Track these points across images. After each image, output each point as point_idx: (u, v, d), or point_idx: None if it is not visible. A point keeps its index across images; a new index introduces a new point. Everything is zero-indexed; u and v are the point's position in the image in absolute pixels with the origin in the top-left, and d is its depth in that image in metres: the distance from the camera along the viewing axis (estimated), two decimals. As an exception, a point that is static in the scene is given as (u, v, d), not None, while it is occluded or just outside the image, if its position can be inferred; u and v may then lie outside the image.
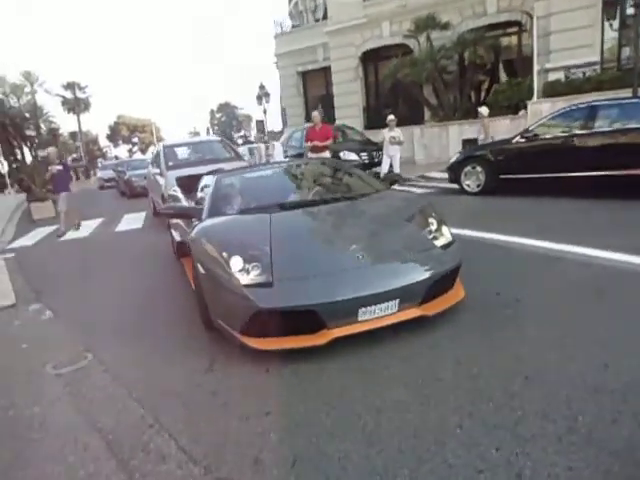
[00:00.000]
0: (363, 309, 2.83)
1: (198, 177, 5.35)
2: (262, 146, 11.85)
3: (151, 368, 3.05)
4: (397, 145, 10.91)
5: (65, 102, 48.05)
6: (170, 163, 8.62)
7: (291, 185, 4.29)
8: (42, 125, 49.15)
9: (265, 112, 24.03)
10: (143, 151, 55.59)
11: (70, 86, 46.93)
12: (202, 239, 3.33)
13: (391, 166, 11.06)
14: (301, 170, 4.78)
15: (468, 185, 8.66)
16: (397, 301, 2.90)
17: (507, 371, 2.51)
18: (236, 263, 2.98)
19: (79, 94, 47.81)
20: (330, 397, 2.47)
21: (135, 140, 56.03)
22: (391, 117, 11.13)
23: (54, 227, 9.84)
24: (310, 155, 9.26)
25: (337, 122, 17.44)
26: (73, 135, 49.98)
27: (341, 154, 11.63)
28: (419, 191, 9.94)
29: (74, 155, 50.79)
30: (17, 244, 9.06)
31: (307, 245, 3.19)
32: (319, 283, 2.87)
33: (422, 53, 14.35)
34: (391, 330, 2.95)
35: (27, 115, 47.61)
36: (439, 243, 3.27)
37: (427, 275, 2.99)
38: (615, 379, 2.32)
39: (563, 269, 4.03)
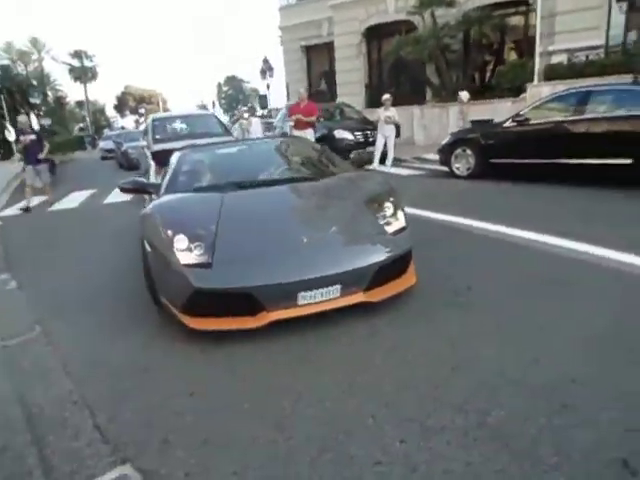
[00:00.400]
0: (303, 293, 2.79)
1: None
2: (244, 122, 11.74)
3: (93, 343, 3.06)
4: (392, 125, 10.73)
5: (72, 70, 47.69)
6: (157, 136, 8.54)
7: (254, 163, 4.20)
8: (49, 93, 48.84)
9: (268, 87, 23.75)
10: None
11: (77, 54, 46.49)
12: (151, 216, 3.29)
13: (385, 146, 10.91)
14: (269, 148, 4.69)
15: (458, 168, 8.52)
16: (339, 286, 2.86)
17: (438, 361, 2.48)
18: (180, 242, 2.95)
19: (86, 63, 47.38)
20: (257, 381, 2.46)
21: (142, 111, 55.59)
22: (387, 96, 10.91)
23: (45, 197, 9.81)
24: (294, 132, 9.18)
25: (338, 99, 17.21)
26: (80, 104, 49.75)
27: (335, 132, 11.43)
28: (408, 172, 9.83)
29: (80, 124, 50.60)
30: (6, 213, 9.10)
31: (254, 226, 3.13)
32: (259, 265, 2.83)
33: (425, 30, 13.97)
34: (336, 315, 2.93)
35: (34, 82, 47.32)
36: (391, 229, 3.20)
37: (372, 261, 2.94)
38: (541, 375, 2.27)
39: (526, 258, 3.95)
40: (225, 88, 54.08)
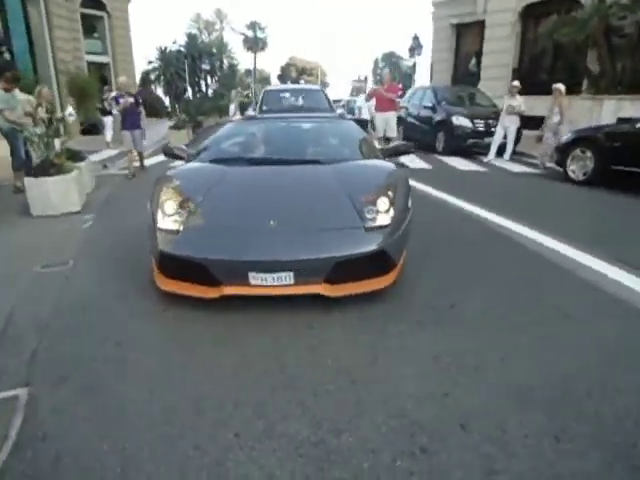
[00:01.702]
0: (253, 274, 2.82)
1: None
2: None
3: (91, 286, 3.48)
4: (515, 115, 9.70)
5: (246, 41, 51.67)
6: (264, 107, 9.00)
7: (282, 141, 4.23)
8: (225, 61, 53.98)
9: (415, 65, 23.02)
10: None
11: (252, 25, 50.12)
12: (159, 180, 3.57)
13: (505, 137, 9.94)
14: (308, 128, 4.64)
15: (573, 171, 7.44)
16: (292, 274, 2.82)
17: (340, 369, 2.32)
18: (169, 207, 3.18)
19: (259, 34, 50.90)
20: (184, 354, 2.57)
21: (302, 82, 58.42)
22: (514, 83, 9.88)
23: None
24: (376, 115, 8.95)
25: (481, 83, 16.02)
26: (248, 72, 54.06)
27: (453, 118, 10.76)
28: (520, 170, 8.86)
29: (246, 91, 54.95)
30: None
31: (236, 202, 3.21)
32: (219, 240, 2.92)
33: (587, 9, 12.10)
34: (301, 303, 2.92)
35: (214, 50, 52.70)
36: (372, 224, 3.01)
37: (329, 254, 2.82)
38: (413, 393, 2.01)
39: (560, 285, 3.38)
40: (382, 64, 53.70)
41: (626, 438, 1.84)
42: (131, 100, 8.29)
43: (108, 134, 12.81)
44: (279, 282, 2.84)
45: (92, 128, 15.64)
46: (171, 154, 4.27)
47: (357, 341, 2.61)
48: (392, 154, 4.26)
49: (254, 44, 51.10)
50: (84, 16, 19.16)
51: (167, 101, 43.60)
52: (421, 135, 12.26)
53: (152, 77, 48.97)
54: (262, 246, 2.85)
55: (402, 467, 1.71)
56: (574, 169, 7.41)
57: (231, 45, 53.98)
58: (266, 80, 58.48)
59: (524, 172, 8.68)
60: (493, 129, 10.35)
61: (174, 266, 2.99)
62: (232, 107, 11.29)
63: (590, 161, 7.11)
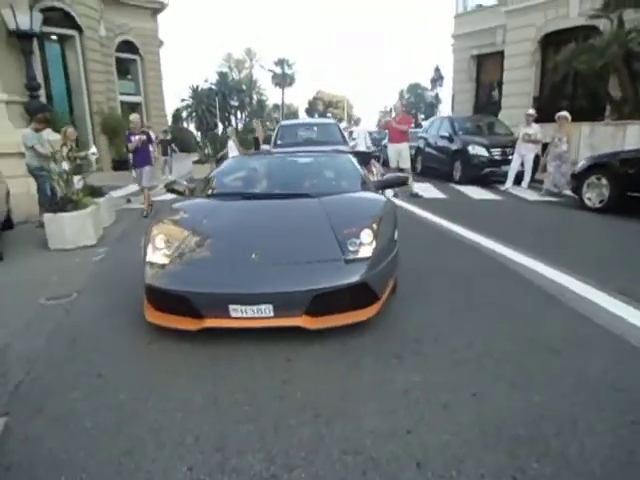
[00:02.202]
0: (233, 306, 2.87)
1: None
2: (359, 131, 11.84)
3: (88, 319, 3.60)
4: (532, 144, 9.62)
5: (274, 77, 53.46)
6: (278, 142, 9.24)
7: (278, 176, 4.34)
8: (254, 96, 55.81)
9: (437, 96, 23.19)
10: (335, 126, 59.00)
11: (280, 62, 51.96)
12: (156, 215, 3.71)
13: (522, 165, 9.85)
14: (303, 162, 4.75)
15: (589, 199, 7.29)
16: (271, 306, 2.86)
17: (306, 403, 2.32)
18: (159, 241, 3.30)
19: (286, 70, 52.64)
20: (161, 386, 2.63)
21: (329, 115, 59.60)
22: (530, 111, 9.86)
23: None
24: (389, 146, 9.10)
25: (502, 112, 16.00)
26: (276, 107, 55.71)
27: (469, 147, 10.76)
28: (536, 198, 8.71)
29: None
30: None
31: (222, 236, 3.30)
32: (201, 273, 3.00)
33: (605, 36, 12.03)
34: (282, 335, 2.95)
35: (244, 87, 54.66)
36: (354, 256, 3.04)
37: (307, 287, 2.85)
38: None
39: (556, 318, 3.28)
40: (407, 95, 54.37)
41: (584, 478, 1.76)
42: (143, 138, 8.21)
43: (134, 170, 13.36)
44: (259, 314, 2.88)
45: (123, 164, 16.35)
46: (171, 189, 4.44)
47: (330, 375, 2.60)
48: (385, 186, 4.30)
49: (282, 80, 52.83)
50: (118, 59, 20.34)
51: (199, 136, 45.24)
52: (439, 165, 12.29)
53: (184, 114, 51.01)
54: (242, 279, 2.91)
55: (347, 506, 1.69)
56: (590, 196, 7.25)
57: (260, 81, 55.93)
58: (294, 114, 60.04)
59: (541, 200, 8.54)
60: (510, 157, 10.26)
61: (160, 299, 3.08)
62: (230, 143, 11.43)
63: (606, 188, 6.95)
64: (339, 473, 1.84)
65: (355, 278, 2.93)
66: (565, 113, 8.78)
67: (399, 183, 4.41)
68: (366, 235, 3.18)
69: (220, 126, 48.51)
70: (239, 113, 54.13)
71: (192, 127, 51.43)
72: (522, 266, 4.43)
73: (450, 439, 2.02)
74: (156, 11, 21.70)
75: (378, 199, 3.74)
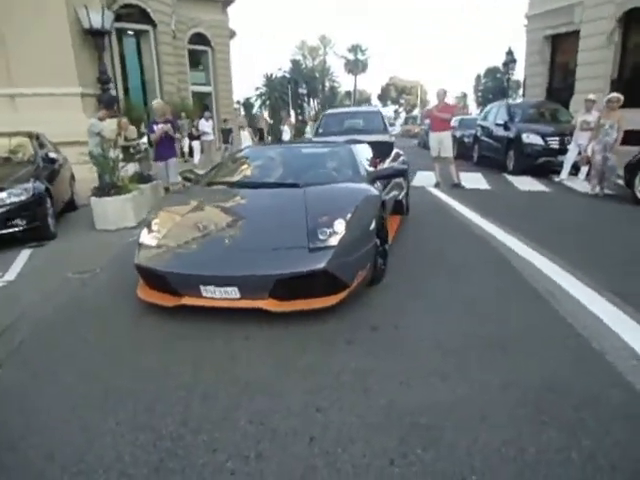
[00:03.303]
0: (203, 287, 3.13)
1: None
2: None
3: (97, 292, 4.05)
4: (589, 132, 8.94)
5: (347, 64, 53.26)
6: (320, 130, 9.40)
7: (273, 166, 4.53)
8: (326, 83, 56.05)
9: (509, 80, 22.05)
10: (408, 112, 57.75)
11: (353, 49, 51.65)
12: (163, 201, 4.06)
13: (579, 154, 9.21)
14: (303, 154, 4.90)
15: (640, 193, 6.72)
16: (236, 288, 3.07)
17: (240, 380, 2.51)
18: (154, 225, 3.65)
19: (360, 56, 52.23)
20: (129, 354, 2.97)
21: (402, 101, 58.52)
22: (590, 96, 9.15)
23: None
24: (431, 134, 8.85)
25: (575, 96, 14.91)
26: (348, 94, 55.56)
27: (523, 135, 10.21)
28: (586, 189, 8.12)
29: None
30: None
31: (206, 222, 3.56)
32: (178, 255, 3.29)
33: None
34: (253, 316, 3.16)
35: (316, 74, 55.06)
36: (321, 245, 3.16)
37: (268, 272, 3.04)
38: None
39: (536, 316, 3.20)
40: (484, 80, 51.76)
41: (459, 466, 1.81)
42: (167, 127, 7.38)
43: (196, 157, 14.17)
44: (226, 295, 3.12)
45: (188, 151, 17.34)
46: (185, 177, 4.80)
47: (277, 355, 2.78)
48: (381, 177, 4.32)
49: (355, 67, 52.53)
50: (190, 51, 21.43)
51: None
52: (494, 154, 11.80)
53: (258, 102, 52.46)
54: (211, 262, 3.16)
55: (230, 467, 1.87)
56: (643, 190, 6.69)
57: (333, 68, 56.02)
58: (366, 101, 59.57)
59: (592, 194, 7.96)
60: (568, 146, 9.63)
61: (146, 277, 3.42)
62: (245, 133, 11.43)
63: (660, 181, 6.38)
64: (235, 439, 2.03)
65: (316, 265, 3.06)
66: (617, 95, 7.75)
67: (395, 174, 4.42)
68: (339, 224, 3.30)
69: (292, 113, 49.43)
70: (311, 100, 54.67)
71: (265, 114, 52.73)
72: (525, 261, 4.28)
73: (353, 421, 2.13)
74: (226, 3, 22.49)
75: (359, 190, 3.81)
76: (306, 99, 54.80)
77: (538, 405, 2.18)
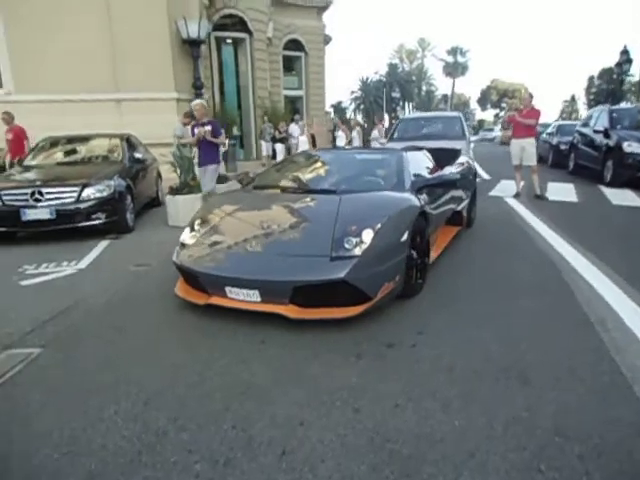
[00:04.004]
0: (229, 288, 3.23)
1: None
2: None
3: (146, 285, 4.34)
4: None
5: (446, 66, 51.74)
6: (395, 135, 9.22)
7: (317, 172, 4.51)
8: (423, 87, 54.92)
9: (622, 83, 20.00)
10: (510, 117, 54.75)
11: (453, 51, 50.08)
12: (209, 202, 4.26)
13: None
14: (351, 160, 4.81)
15: None
16: (257, 292, 3.13)
17: (242, 382, 2.53)
18: (196, 224, 3.85)
19: (459, 58, 50.51)
20: (149, 349, 3.15)
21: (503, 105, 55.45)
22: None
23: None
24: (512, 140, 8.24)
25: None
26: (444, 98, 53.86)
27: (624, 144, 9.18)
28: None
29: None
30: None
31: (239, 225, 3.65)
32: (209, 256, 3.41)
33: None
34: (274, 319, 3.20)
35: (413, 78, 54.15)
36: (343, 254, 3.11)
37: (287, 278, 3.05)
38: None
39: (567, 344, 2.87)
40: (597, 82, 47.00)
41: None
42: (208, 129, 6.62)
43: (279, 159, 14.62)
44: (248, 298, 3.19)
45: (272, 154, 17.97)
46: (239, 180, 4.98)
47: (285, 361, 2.77)
48: (427, 186, 4.11)
49: (453, 69, 50.84)
50: (285, 57, 22.19)
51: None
52: (590, 163, 10.78)
53: (352, 106, 52.81)
54: (235, 265, 3.24)
55: (197, 469, 1.90)
56: None
57: (431, 71, 54.74)
58: (464, 105, 57.36)
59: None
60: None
61: (183, 275, 3.60)
62: (303, 138, 10.83)
63: None
64: (212, 442, 2.06)
65: (335, 275, 3.02)
66: None
67: (441, 184, 4.20)
68: (366, 234, 3.22)
69: (386, 117, 49.11)
70: (406, 104, 53.87)
71: (359, 118, 52.93)
72: (592, 291, 3.84)
73: (332, 440, 2.06)
74: (321, 9, 22.94)
75: (396, 200, 3.68)
76: (401, 103, 54.05)
77: (540, 449, 1.95)
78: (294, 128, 15.34)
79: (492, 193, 9.17)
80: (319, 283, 3.03)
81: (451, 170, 5.04)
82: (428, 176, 4.24)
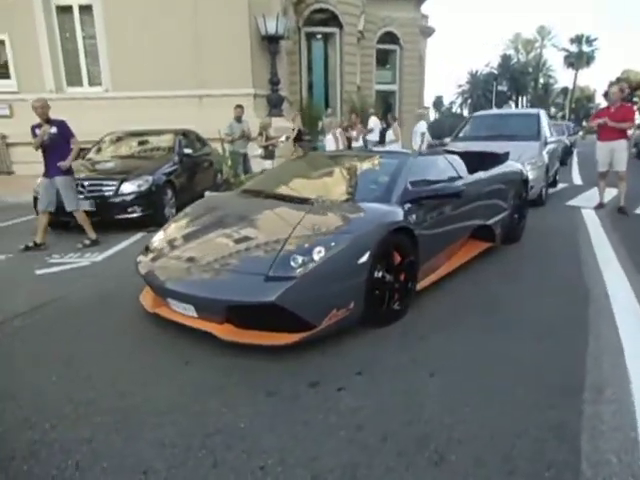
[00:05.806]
0: (170, 299, 3.06)
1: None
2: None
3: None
4: None
5: (568, 57, 47.01)
6: (460, 134, 8.40)
7: (307, 177, 4.14)
8: (540, 79, 50.46)
9: None
10: (644, 113, 48.12)
11: (577, 39, 45.27)
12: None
13: None
14: (346, 165, 4.31)
15: None
16: (192, 307, 2.92)
17: (188, 391, 2.34)
18: (169, 228, 3.75)
19: (584, 48, 45.47)
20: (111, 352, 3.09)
21: (635, 99, 48.76)
22: None
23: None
24: (598, 143, 6.97)
25: None
26: (563, 91, 48.82)
27: None
28: None
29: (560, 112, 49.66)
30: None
31: (202, 233, 3.42)
32: (159, 264, 3.25)
33: None
34: None
35: (529, 70, 49.93)
36: (280, 274, 2.76)
37: (219, 297, 2.78)
38: None
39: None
40: None
41: None
42: (52, 130, 5.54)
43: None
44: (185, 312, 2.99)
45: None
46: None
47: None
48: (422, 198, 3.52)
49: (576, 60, 45.91)
50: (378, 50, 21.64)
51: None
52: None
53: (458, 100, 50.23)
54: (175, 277, 3.05)
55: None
56: None
57: (550, 62, 49.96)
58: (587, 99, 51.52)
59: None
60: None
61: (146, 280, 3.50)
62: (329, 136, 9.25)
63: None
64: (179, 455, 1.97)
65: (265, 298, 2.68)
66: None
67: (439, 196, 3.58)
68: (317, 253, 2.85)
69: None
70: (519, 98, 49.91)
71: (465, 112, 50.26)
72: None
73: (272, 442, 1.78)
74: (420, 0, 21.94)
75: (367, 214, 3.21)
76: (514, 97, 50.27)
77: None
78: (376, 122, 14.71)
79: (571, 202, 7.97)
80: (249, 305, 2.73)
81: (476, 178, 4.37)
82: (426, 187, 3.62)
